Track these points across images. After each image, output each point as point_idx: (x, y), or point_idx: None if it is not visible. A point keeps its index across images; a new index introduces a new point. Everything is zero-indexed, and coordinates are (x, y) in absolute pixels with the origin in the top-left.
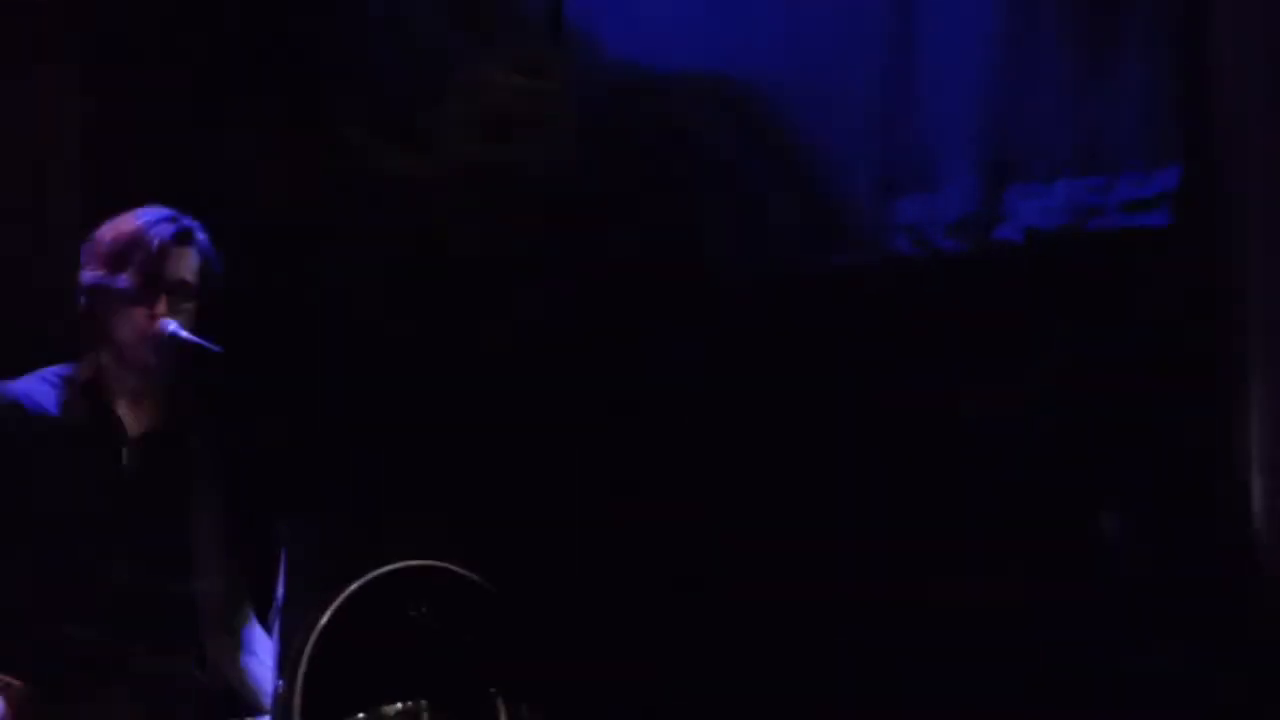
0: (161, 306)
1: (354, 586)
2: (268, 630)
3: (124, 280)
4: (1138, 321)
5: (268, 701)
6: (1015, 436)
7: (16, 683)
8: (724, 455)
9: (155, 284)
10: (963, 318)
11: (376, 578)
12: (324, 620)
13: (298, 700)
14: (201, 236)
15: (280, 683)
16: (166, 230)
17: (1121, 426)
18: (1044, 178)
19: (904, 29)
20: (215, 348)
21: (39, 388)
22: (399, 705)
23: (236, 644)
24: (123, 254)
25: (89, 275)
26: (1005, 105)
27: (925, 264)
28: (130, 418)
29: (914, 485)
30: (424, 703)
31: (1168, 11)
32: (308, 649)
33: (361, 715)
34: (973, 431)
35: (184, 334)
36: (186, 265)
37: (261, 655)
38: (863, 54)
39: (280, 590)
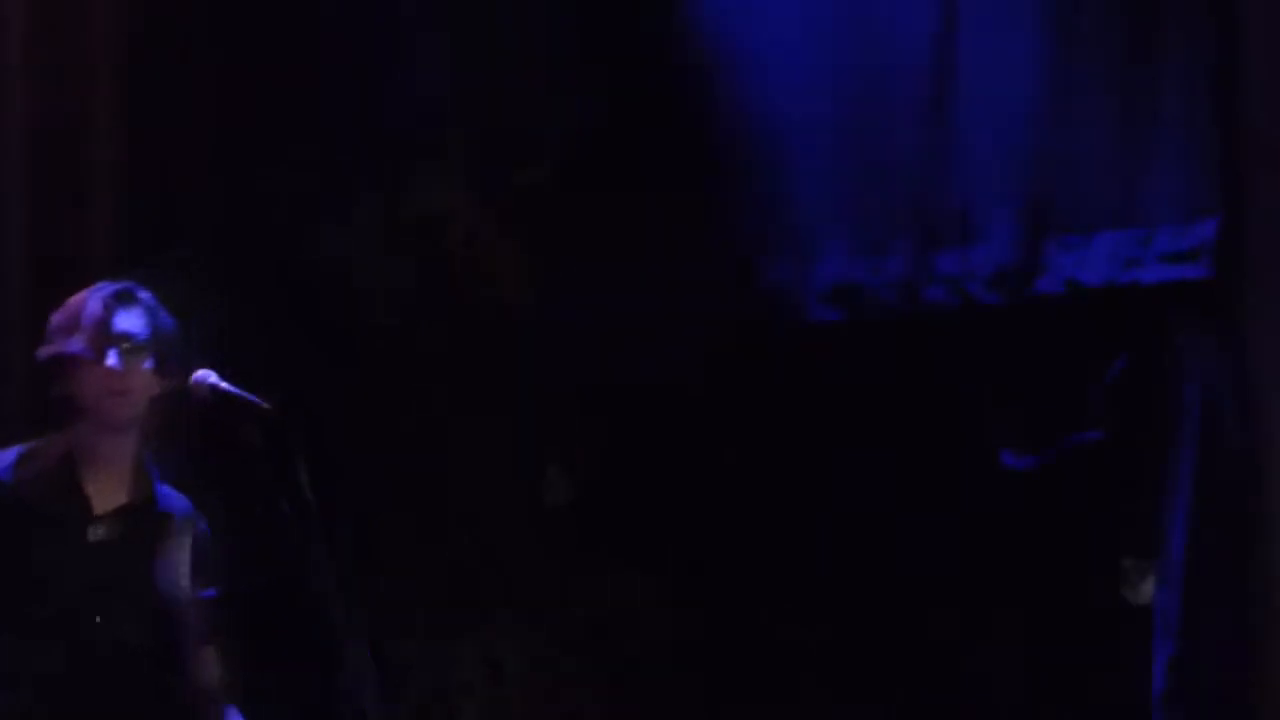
0: (113, 359)
1: None
2: None
3: (74, 343)
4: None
5: None
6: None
7: None
8: (761, 503)
9: (103, 338)
10: (1002, 370)
11: None
12: None
13: None
14: (145, 294)
15: None
16: (108, 289)
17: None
18: (1083, 229)
19: (944, 83)
20: (259, 401)
21: (9, 461)
22: None
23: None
24: (71, 322)
25: (43, 352)
26: (1044, 158)
27: (963, 316)
28: (99, 493)
29: (953, 535)
30: None
31: (1205, 64)
32: None
33: None
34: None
35: (224, 385)
36: (132, 319)
37: None
38: (902, 108)
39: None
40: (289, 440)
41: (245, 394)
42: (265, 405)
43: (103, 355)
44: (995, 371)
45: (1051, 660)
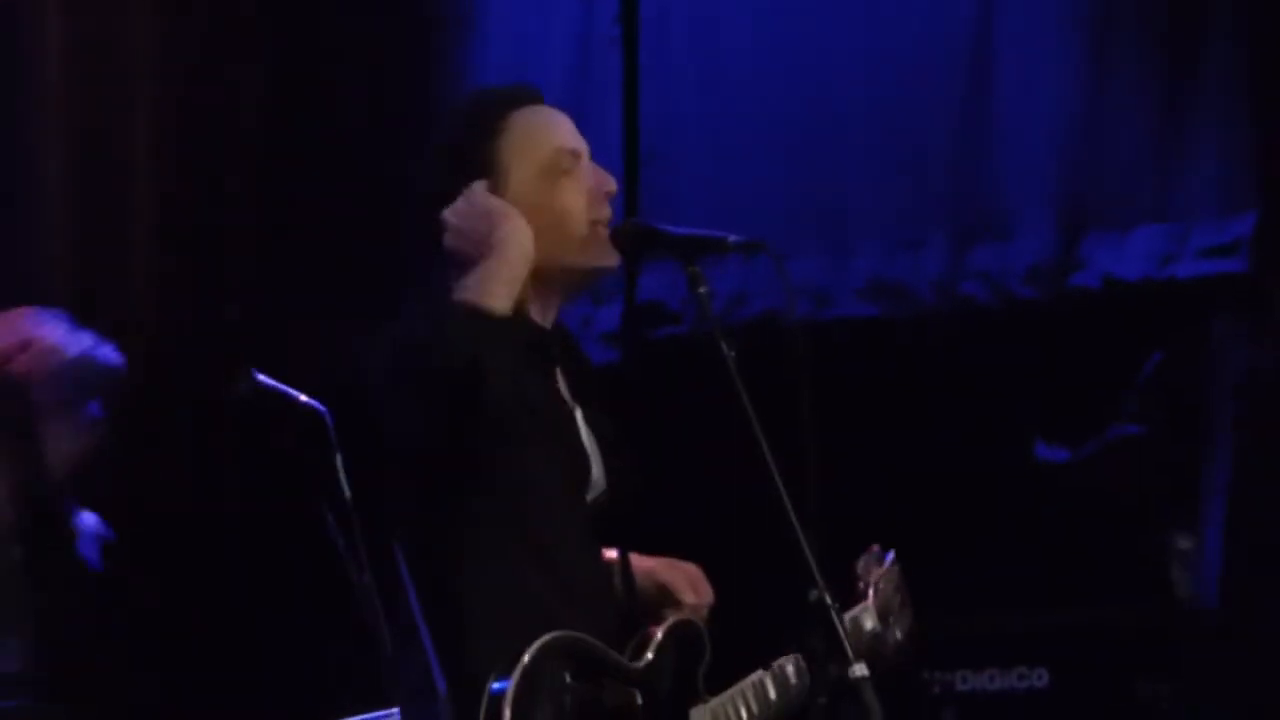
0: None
1: None
2: None
3: (94, 408)
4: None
5: None
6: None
7: None
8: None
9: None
10: (1039, 365)
11: None
12: None
13: None
14: None
15: None
16: (114, 358)
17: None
18: (1121, 225)
19: (981, 78)
20: (298, 396)
21: None
22: None
23: None
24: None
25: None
26: (1082, 153)
27: (1000, 312)
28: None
29: (988, 533)
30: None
31: (1242, 58)
32: None
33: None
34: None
35: (263, 379)
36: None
37: None
38: (939, 103)
39: None
40: (328, 437)
41: (284, 389)
42: (305, 400)
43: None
44: (1032, 367)
45: (1089, 655)
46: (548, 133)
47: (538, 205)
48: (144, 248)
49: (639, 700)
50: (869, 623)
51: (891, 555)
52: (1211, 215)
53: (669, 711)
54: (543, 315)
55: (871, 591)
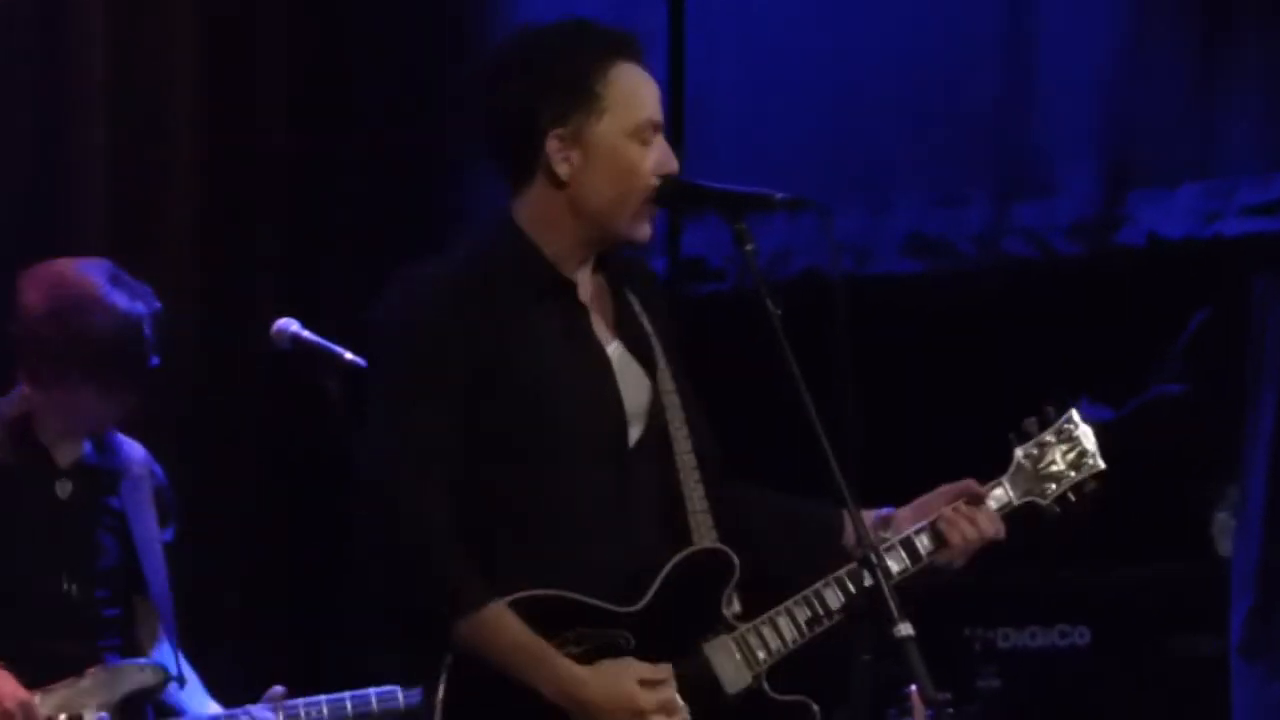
0: (123, 395)
1: None
2: None
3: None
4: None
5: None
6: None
7: None
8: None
9: (130, 378)
10: (1082, 322)
11: None
12: None
13: None
14: None
15: None
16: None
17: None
18: (1165, 182)
19: (1024, 32)
20: (341, 351)
21: None
22: None
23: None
24: (116, 337)
25: (68, 337)
26: (1126, 109)
27: (1043, 268)
28: (59, 450)
29: None
30: None
31: None
32: None
33: None
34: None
35: (305, 334)
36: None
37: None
38: (982, 58)
39: None
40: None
41: (326, 343)
42: (346, 355)
43: (124, 392)
44: (1075, 324)
45: (1130, 613)
46: (644, 98)
47: (614, 157)
48: (181, 224)
49: (629, 643)
50: (999, 498)
51: (1071, 413)
52: (1256, 173)
53: (670, 648)
54: (569, 267)
55: (1015, 462)
